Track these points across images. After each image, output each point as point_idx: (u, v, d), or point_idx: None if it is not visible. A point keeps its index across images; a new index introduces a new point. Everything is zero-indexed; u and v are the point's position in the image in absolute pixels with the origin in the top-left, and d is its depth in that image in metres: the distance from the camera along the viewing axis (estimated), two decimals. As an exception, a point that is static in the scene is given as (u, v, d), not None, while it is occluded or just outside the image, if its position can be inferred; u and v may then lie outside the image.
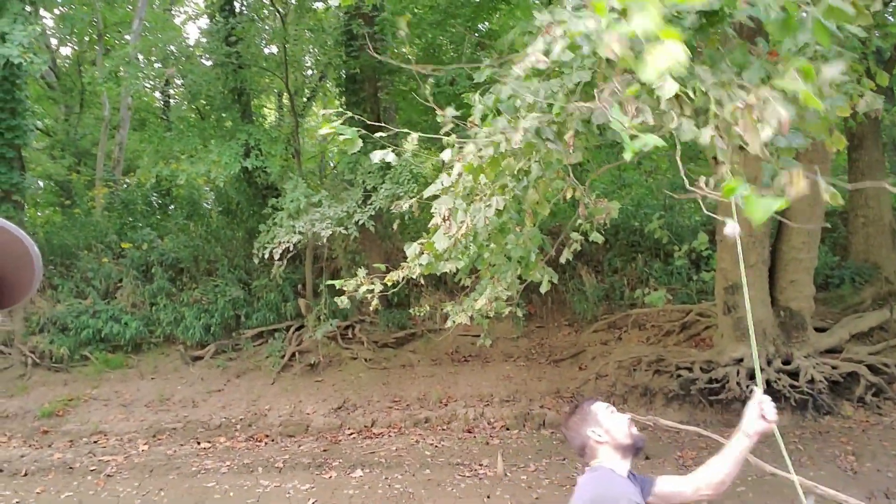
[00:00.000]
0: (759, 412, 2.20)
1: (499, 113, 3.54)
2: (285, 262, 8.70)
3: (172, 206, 14.29)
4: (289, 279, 11.14)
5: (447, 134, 3.85)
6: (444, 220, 4.42)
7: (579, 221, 5.18)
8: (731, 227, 1.85)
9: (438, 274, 5.11)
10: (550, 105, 3.10)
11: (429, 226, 4.82)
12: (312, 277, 11.21)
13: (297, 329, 10.95)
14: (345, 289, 5.38)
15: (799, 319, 8.91)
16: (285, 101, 15.95)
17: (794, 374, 8.44)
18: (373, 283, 5.35)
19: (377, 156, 3.60)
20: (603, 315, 10.80)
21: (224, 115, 10.74)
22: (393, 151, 4.24)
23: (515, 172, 3.54)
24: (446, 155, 3.76)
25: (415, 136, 3.83)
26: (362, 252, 10.96)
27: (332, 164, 17.08)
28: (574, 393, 9.24)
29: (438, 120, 3.93)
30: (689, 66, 2.47)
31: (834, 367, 8.60)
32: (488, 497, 6.62)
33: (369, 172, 8.94)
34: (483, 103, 3.88)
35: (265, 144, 9.66)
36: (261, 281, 11.19)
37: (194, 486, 7.42)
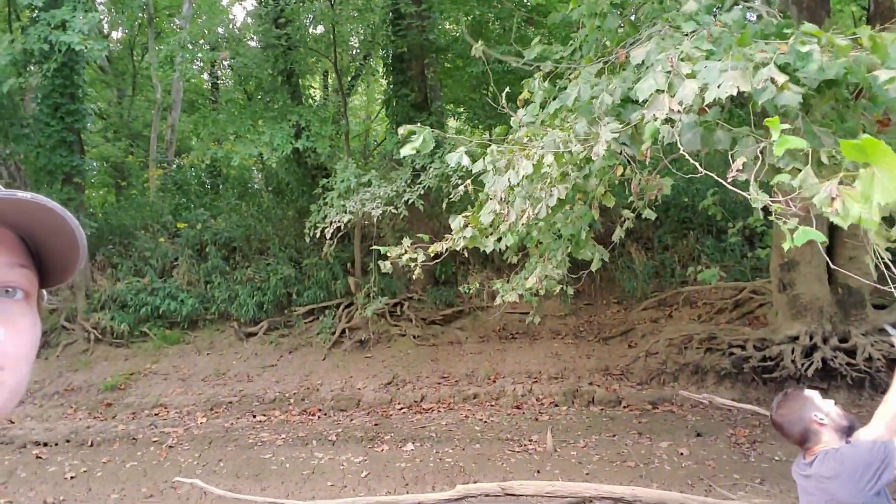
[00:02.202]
0: None
1: (570, 110, 3.54)
2: (336, 241, 8.83)
3: (222, 187, 14.62)
4: (338, 258, 11.31)
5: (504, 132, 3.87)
6: (500, 202, 4.45)
7: (631, 198, 5.14)
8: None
9: (486, 251, 5.13)
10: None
11: (474, 200, 4.85)
12: (361, 256, 11.36)
13: (347, 306, 11.14)
14: (389, 255, 5.45)
15: (857, 297, 8.67)
16: (331, 80, 16.08)
17: (851, 352, 8.23)
18: (416, 252, 5.40)
19: (454, 158, 3.65)
20: (653, 293, 10.68)
21: (275, 96, 10.88)
22: (440, 130, 4.29)
23: (577, 162, 3.53)
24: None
25: (496, 145, 3.87)
26: (410, 231, 11.03)
27: (375, 143, 17.20)
28: (624, 370, 9.20)
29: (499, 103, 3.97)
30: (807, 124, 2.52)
31: (892, 345, 8.34)
32: (538, 472, 6.68)
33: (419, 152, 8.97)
34: (548, 93, 3.88)
35: (315, 125, 9.78)
36: (311, 259, 11.40)
37: (252, 458, 7.68)
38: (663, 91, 2.85)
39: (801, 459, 2.42)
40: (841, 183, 2.10)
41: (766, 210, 8.08)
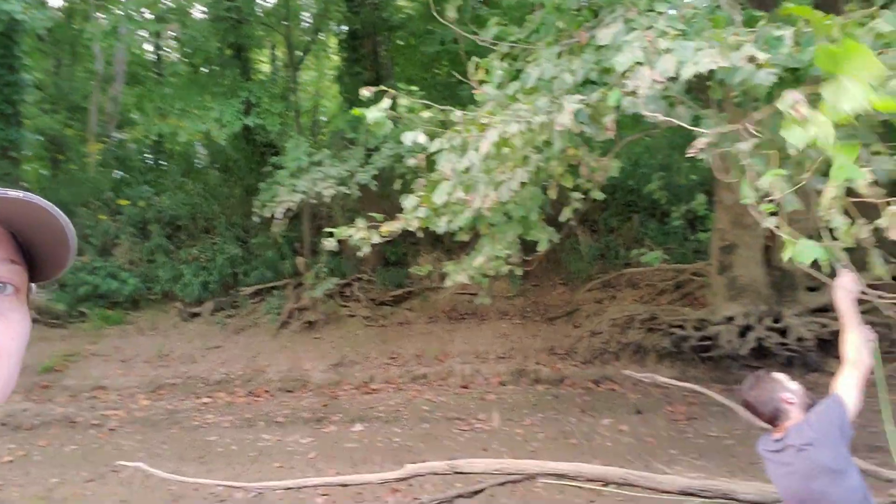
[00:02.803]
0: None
1: (529, 91, 3.58)
2: (288, 220, 8.74)
3: (166, 163, 14.21)
4: (287, 237, 11.18)
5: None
6: (458, 184, 4.48)
7: (580, 180, 5.24)
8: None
9: (437, 232, 5.15)
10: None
11: (417, 180, 4.86)
12: (310, 236, 11.25)
13: (296, 287, 11.05)
14: (341, 238, 5.42)
15: (791, 279, 9.05)
16: (279, 54, 15.72)
17: (783, 332, 8.60)
18: (370, 232, 5.39)
19: (409, 137, 3.65)
20: (598, 274, 10.92)
21: (224, 70, 10.60)
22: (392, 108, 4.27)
23: (538, 143, 3.58)
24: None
25: (460, 113, 3.87)
26: (361, 211, 10.97)
27: (324, 119, 16.92)
28: (568, 350, 9.41)
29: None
30: None
31: (823, 326, 8.75)
32: (485, 450, 6.80)
33: (371, 132, 8.90)
34: (506, 73, 3.91)
35: (265, 102, 9.59)
36: (259, 239, 11.24)
37: (197, 440, 7.59)
38: (643, 63, 2.91)
39: (770, 437, 2.59)
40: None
41: (707, 193, 8.25)
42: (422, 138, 4.16)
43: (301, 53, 15.01)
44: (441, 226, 5.13)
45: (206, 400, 8.88)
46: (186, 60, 12.15)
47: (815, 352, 8.43)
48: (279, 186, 8.90)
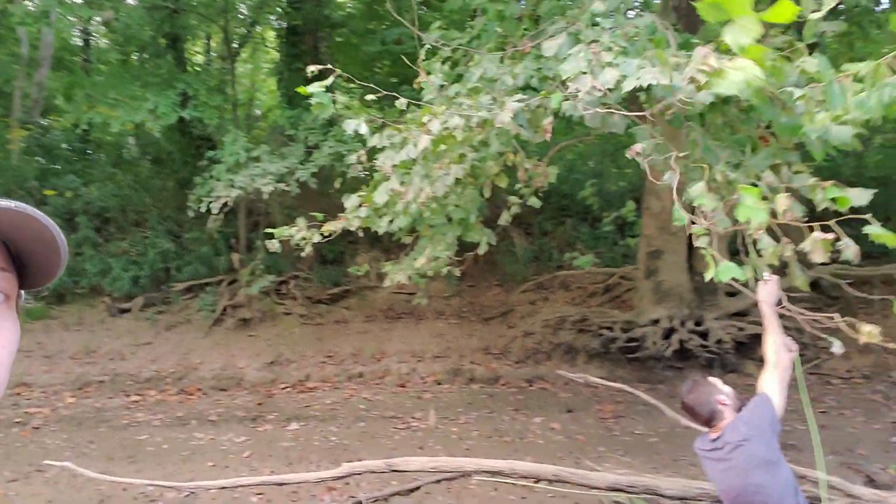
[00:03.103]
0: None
1: (471, 91, 3.70)
2: (223, 216, 8.61)
3: (95, 153, 13.68)
4: (221, 233, 10.99)
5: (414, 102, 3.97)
6: (393, 177, 4.55)
7: (518, 185, 5.42)
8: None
9: (379, 231, 5.22)
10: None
11: (368, 179, 4.92)
12: (246, 231, 11.11)
13: (230, 283, 10.89)
14: (281, 236, 5.41)
15: (712, 285, 9.53)
16: (214, 45, 15.38)
17: (704, 335, 9.07)
18: (310, 232, 5.41)
19: (351, 125, 3.70)
20: (532, 276, 11.22)
21: (159, 61, 10.32)
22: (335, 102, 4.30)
23: (475, 143, 3.71)
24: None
25: (403, 100, 3.92)
26: (299, 208, 10.91)
27: (259, 113, 16.64)
28: (503, 350, 9.65)
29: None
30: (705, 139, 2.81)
31: (740, 329, 9.27)
32: (421, 448, 6.92)
33: (311, 129, 8.90)
34: (447, 76, 4.02)
35: (203, 94, 9.40)
36: (193, 234, 11.01)
37: (126, 439, 7.42)
38: (587, 73, 3.07)
39: (706, 437, 2.81)
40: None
41: (636, 200, 8.61)
42: (364, 128, 4.21)
43: (237, 46, 14.76)
44: (382, 226, 5.21)
45: (135, 398, 8.67)
46: (118, 48, 11.75)
47: (732, 354, 8.93)
48: (215, 181, 8.77)
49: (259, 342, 10.07)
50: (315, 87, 3.65)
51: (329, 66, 4.24)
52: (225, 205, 8.38)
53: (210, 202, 8.41)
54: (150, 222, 11.29)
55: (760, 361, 8.87)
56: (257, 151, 8.87)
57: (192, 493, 6.14)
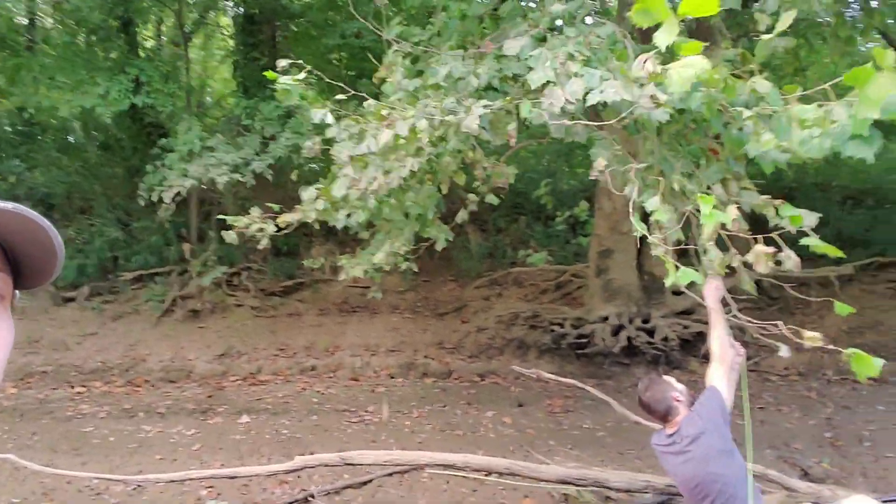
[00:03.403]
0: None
1: (434, 88, 3.75)
2: (175, 205, 8.45)
3: (40, 137, 13.20)
4: (172, 222, 10.75)
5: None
6: (352, 167, 4.56)
7: (476, 183, 5.50)
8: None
9: (337, 226, 5.20)
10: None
11: (325, 171, 4.91)
12: (198, 221, 10.92)
13: (180, 274, 10.69)
14: (235, 225, 5.34)
15: (659, 283, 9.81)
16: (164, 29, 14.99)
17: (651, 332, 9.35)
18: (265, 223, 5.36)
19: (318, 115, 3.70)
20: (486, 272, 11.35)
21: (110, 45, 10.02)
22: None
23: (433, 139, 3.76)
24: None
25: (373, 102, 3.94)
26: (254, 199, 10.76)
27: (209, 100, 16.29)
28: (456, 344, 9.75)
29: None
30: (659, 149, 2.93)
31: (685, 327, 9.59)
32: (374, 441, 6.97)
33: (269, 119, 8.80)
34: (408, 72, 4.06)
35: (156, 81, 9.18)
36: (142, 222, 10.75)
37: (71, 431, 7.26)
38: (555, 84, 3.15)
39: (663, 433, 2.97)
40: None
41: (588, 200, 8.78)
42: (329, 118, 4.21)
43: (190, 31, 14.44)
44: (340, 220, 5.20)
45: (80, 389, 8.48)
46: (67, 30, 11.35)
47: (678, 351, 9.23)
48: (168, 170, 8.60)
49: (209, 334, 9.94)
50: (286, 80, 3.65)
51: (291, 57, 4.23)
52: (178, 194, 8.23)
53: (162, 191, 8.25)
54: (98, 210, 10.99)
55: (704, 359, 9.21)
56: (212, 141, 8.72)
57: (140, 486, 6.05)
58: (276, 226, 5.26)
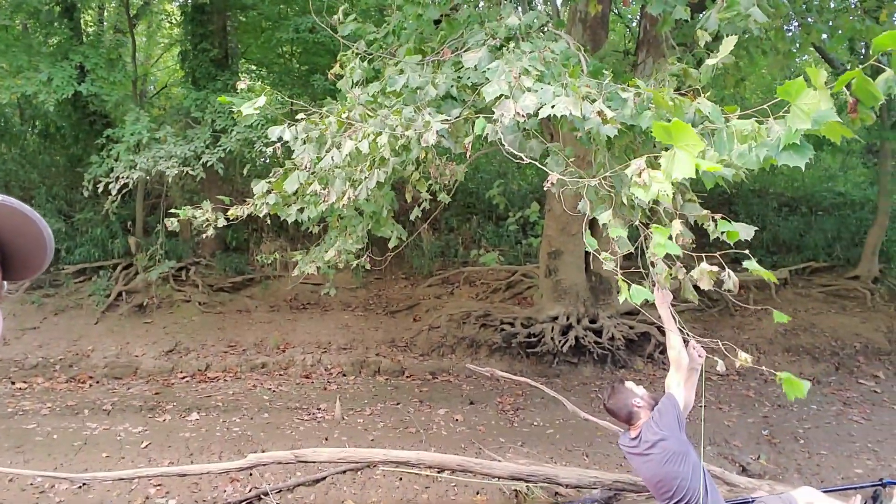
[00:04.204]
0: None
1: (393, 94, 3.80)
2: (120, 197, 8.24)
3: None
4: (117, 214, 10.48)
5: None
6: (313, 175, 4.57)
7: (429, 181, 5.57)
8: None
9: (289, 220, 5.18)
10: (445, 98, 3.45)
11: (280, 166, 4.89)
12: (144, 214, 10.68)
13: (126, 268, 10.44)
14: (182, 218, 5.27)
15: (606, 284, 10.12)
16: (106, 15, 14.54)
17: (598, 332, 9.61)
18: (215, 216, 5.30)
19: (275, 132, 3.70)
20: (438, 271, 11.46)
21: (52, 30, 9.66)
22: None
23: (396, 148, 3.82)
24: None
25: (333, 119, 3.94)
26: (202, 192, 10.60)
27: (152, 88, 15.89)
28: (408, 342, 9.82)
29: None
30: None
31: (631, 327, 9.89)
32: (326, 439, 6.99)
33: (219, 113, 8.66)
34: (366, 72, 4.09)
35: (101, 69, 8.90)
36: (85, 214, 10.44)
37: (12, 428, 7.03)
38: (508, 97, 3.26)
39: (627, 435, 3.26)
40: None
41: (539, 202, 8.97)
42: (288, 135, 4.21)
43: (134, 16, 14.03)
44: (291, 214, 5.19)
45: (20, 385, 8.20)
46: (3, 14, 10.89)
47: (623, 350, 9.52)
48: (115, 161, 8.39)
49: (156, 329, 9.74)
50: (248, 109, 3.64)
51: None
52: (125, 186, 8.04)
53: (108, 183, 8.04)
54: (38, 200, 10.61)
55: (648, 358, 9.58)
56: (161, 132, 8.54)
57: (86, 484, 5.94)
58: (227, 218, 5.22)
